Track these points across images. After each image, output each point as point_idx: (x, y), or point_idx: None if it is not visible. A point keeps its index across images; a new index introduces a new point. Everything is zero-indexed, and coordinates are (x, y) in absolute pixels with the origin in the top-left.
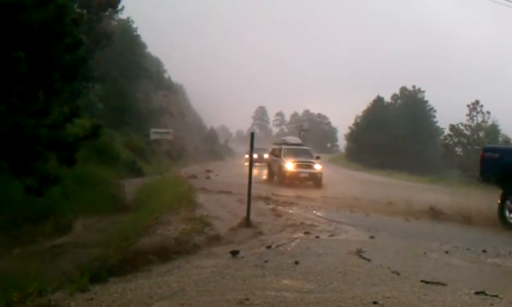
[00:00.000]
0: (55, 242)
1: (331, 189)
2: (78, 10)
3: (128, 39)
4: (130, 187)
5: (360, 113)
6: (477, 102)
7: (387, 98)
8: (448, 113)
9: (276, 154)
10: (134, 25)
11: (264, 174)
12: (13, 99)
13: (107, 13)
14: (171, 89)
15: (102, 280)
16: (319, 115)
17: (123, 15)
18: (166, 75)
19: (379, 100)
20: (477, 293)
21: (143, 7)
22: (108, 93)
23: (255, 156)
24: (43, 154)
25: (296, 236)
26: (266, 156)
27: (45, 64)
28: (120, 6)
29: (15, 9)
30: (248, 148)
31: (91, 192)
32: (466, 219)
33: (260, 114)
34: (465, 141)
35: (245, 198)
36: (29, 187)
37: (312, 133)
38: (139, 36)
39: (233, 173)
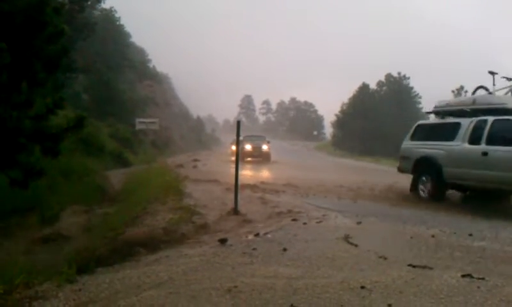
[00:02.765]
0: (42, 234)
1: (320, 176)
2: None
3: (112, 29)
4: (117, 177)
5: (346, 100)
6: (462, 87)
7: (373, 85)
8: (433, 99)
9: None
10: (117, 15)
11: (266, 174)
12: None
13: (89, 3)
14: (156, 79)
15: (89, 271)
16: (306, 103)
17: (106, 5)
18: (150, 65)
19: (364, 87)
20: (463, 276)
21: None
22: (92, 83)
23: (249, 147)
24: (27, 146)
25: (283, 223)
26: (265, 147)
27: (27, 55)
28: None
29: None
30: (234, 136)
31: (77, 184)
32: None
33: (247, 103)
34: None
35: (232, 187)
36: (14, 180)
37: (298, 121)
38: (122, 25)
39: (221, 162)
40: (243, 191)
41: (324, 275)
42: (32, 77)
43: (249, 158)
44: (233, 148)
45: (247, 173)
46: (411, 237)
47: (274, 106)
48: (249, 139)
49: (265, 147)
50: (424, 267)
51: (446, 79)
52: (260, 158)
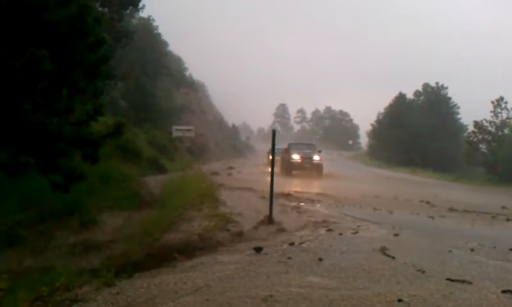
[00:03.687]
0: (81, 238)
1: (356, 186)
2: (100, 9)
3: (149, 37)
4: (154, 183)
5: (381, 110)
6: (502, 98)
7: (409, 95)
8: (472, 110)
9: None
10: (155, 24)
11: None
12: (38, 97)
13: (128, 12)
14: (192, 87)
15: (127, 275)
16: (341, 112)
17: (144, 14)
18: (187, 73)
19: (401, 97)
20: (503, 291)
21: (164, 5)
22: (130, 90)
23: (297, 157)
24: (67, 151)
25: (319, 233)
26: (317, 158)
27: (69, 63)
28: (140, 5)
29: (39, 9)
30: (269, 145)
31: (115, 189)
32: None
33: (281, 111)
34: (489, 138)
35: (267, 195)
36: (55, 184)
37: (333, 130)
38: (160, 34)
39: (255, 170)
40: (277, 200)
41: (360, 287)
42: (72, 84)
43: (296, 172)
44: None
45: (281, 182)
46: (450, 251)
47: (309, 115)
48: (297, 147)
49: (316, 158)
50: (463, 281)
51: (484, 90)
52: (311, 171)
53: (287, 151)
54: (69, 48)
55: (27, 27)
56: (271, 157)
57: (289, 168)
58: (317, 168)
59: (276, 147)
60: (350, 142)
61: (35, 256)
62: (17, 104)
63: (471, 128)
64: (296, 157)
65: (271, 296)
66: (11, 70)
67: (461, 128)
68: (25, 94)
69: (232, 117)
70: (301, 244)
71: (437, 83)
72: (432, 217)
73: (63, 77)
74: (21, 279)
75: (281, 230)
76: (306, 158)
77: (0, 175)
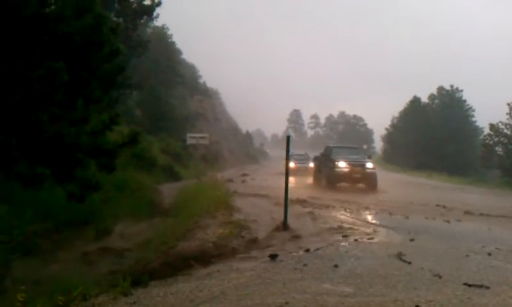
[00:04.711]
0: (97, 247)
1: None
2: (115, 19)
3: (164, 46)
4: (168, 191)
5: (396, 114)
6: None
7: (424, 99)
8: (487, 112)
9: None
10: (169, 32)
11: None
12: (54, 108)
13: (142, 21)
14: (206, 94)
15: (143, 284)
16: (355, 116)
17: (158, 23)
18: (201, 81)
19: (415, 101)
20: None
21: (177, 14)
22: (145, 99)
23: (343, 165)
24: (84, 161)
25: (334, 239)
26: (371, 166)
27: (84, 73)
28: (154, 14)
29: (55, 20)
30: (284, 151)
31: (130, 197)
32: None
33: (295, 117)
34: (505, 141)
35: (282, 201)
36: (71, 194)
37: (347, 135)
38: (174, 42)
39: (269, 176)
40: (292, 206)
41: (377, 293)
42: (88, 94)
43: (342, 184)
44: (292, 165)
45: (293, 186)
46: (467, 255)
47: (322, 120)
48: (340, 152)
49: (370, 166)
50: (481, 286)
51: (501, 92)
52: (362, 183)
53: (327, 157)
54: (84, 58)
55: (44, 38)
56: (292, 164)
57: (332, 179)
58: (370, 180)
59: (297, 154)
60: (364, 146)
61: (51, 265)
62: (34, 115)
63: (487, 130)
64: (342, 164)
65: (286, 303)
66: (29, 81)
67: (477, 131)
68: (42, 105)
69: (245, 124)
70: (316, 250)
71: (452, 86)
72: (448, 221)
73: (78, 87)
74: (38, 289)
75: (296, 237)
76: (357, 167)
77: (17, 186)
